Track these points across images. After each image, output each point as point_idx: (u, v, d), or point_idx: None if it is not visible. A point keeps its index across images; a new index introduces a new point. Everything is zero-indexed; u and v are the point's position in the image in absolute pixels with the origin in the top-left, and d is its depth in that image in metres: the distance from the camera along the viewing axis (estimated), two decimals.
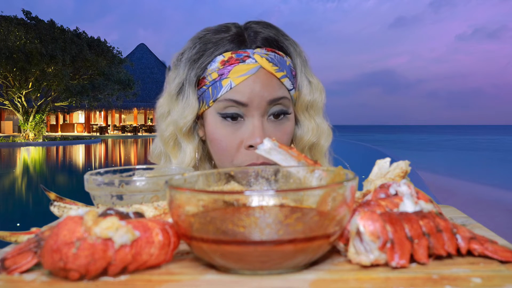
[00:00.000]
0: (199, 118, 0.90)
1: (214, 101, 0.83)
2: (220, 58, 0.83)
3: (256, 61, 0.81)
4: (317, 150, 0.92)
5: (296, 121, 0.91)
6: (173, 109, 0.87)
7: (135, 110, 36.58)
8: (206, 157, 0.95)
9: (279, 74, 0.83)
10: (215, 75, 0.82)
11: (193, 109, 0.85)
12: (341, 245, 0.44)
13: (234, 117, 0.82)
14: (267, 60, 0.82)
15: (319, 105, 0.90)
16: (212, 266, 0.41)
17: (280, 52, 0.85)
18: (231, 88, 0.81)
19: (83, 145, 21.34)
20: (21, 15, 21.24)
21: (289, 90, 0.85)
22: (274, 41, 0.86)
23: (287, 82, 0.84)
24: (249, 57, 0.82)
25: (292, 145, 0.94)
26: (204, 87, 0.84)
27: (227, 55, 0.83)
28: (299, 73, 0.88)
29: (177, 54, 0.89)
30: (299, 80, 0.88)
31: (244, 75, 0.81)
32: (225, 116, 0.82)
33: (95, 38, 23.47)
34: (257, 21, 0.89)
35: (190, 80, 0.85)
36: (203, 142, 0.92)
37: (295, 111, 0.89)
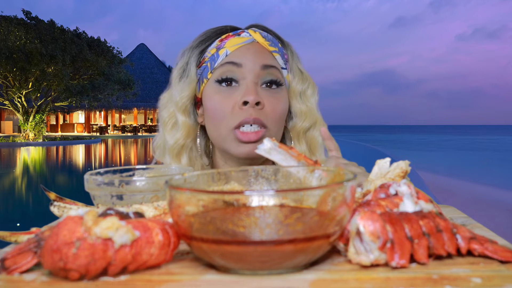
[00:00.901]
0: (199, 104, 0.95)
1: (212, 72, 0.90)
2: (219, 39, 0.92)
3: (250, 35, 0.91)
4: (313, 141, 0.95)
5: (290, 109, 0.95)
6: (174, 90, 0.94)
7: (135, 110, 36.56)
8: (205, 151, 0.99)
9: (271, 48, 0.91)
10: (213, 51, 0.91)
11: (192, 83, 0.92)
12: (341, 245, 0.44)
13: (228, 82, 0.88)
14: (260, 35, 0.91)
15: (311, 98, 0.95)
16: (212, 266, 0.41)
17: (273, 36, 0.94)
18: (226, 55, 0.89)
19: (83, 145, 21.33)
20: (21, 15, 21.24)
21: (282, 68, 0.92)
22: (268, 29, 0.95)
23: (279, 58, 0.92)
24: (244, 31, 0.91)
25: (292, 144, 0.95)
26: (204, 64, 0.92)
27: (226, 34, 0.92)
28: (291, 60, 0.95)
29: (182, 49, 0.96)
30: (291, 65, 0.95)
31: (239, 44, 0.89)
32: (220, 81, 0.88)
33: (95, 38, 23.45)
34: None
35: (191, 61, 0.93)
36: (203, 129, 0.97)
37: (289, 96, 0.94)
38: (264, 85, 0.88)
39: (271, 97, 0.88)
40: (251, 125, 0.84)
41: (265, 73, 0.88)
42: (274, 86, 0.89)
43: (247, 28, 0.96)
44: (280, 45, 0.94)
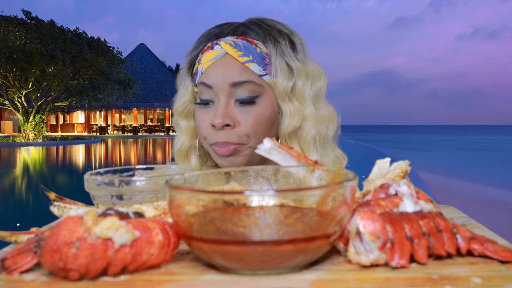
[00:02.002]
0: None
1: (196, 86, 0.92)
2: (201, 50, 0.92)
3: (221, 47, 0.89)
4: (300, 139, 0.91)
5: (280, 109, 0.92)
6: (177, 96, 0.98)
7: (135, 110, 36.55)
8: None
9: (243, 59, 0.88)
10: (197, 65, 0.92)
11: (188, 91, 0.95)
12: (341, 245, 0.44)
13: (206, 103, 0.90)
14: (231, 46, 0.89)
15: (302, 91, 0.90)
16: (212, 266, 0.41)
17: (251, 40, 0.91)
18: (202, 73, 0.90)
19: (83, 145, 21.33)
20: (21, 15, 21.24)
21: (260, 76, 0.88)
22: (246, 29, 0.92)
23: (254, 67, 0.88)
24: (217, 44, 0.90)
25: (291, 145, 0.94)
26: (194, 76, 0.93)
27: (207, 45, 0.92)
28: (274, 59, 0.90)
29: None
30: (274, 66, 0.90)
31: (211, 60, 0.89)
32: (199, 102, 0.91)
33: (95, 38, 23.44)
34: (253, 17, 0.96)
35: (185, 67, 0.95)
36: None
37: (276, 97, 0.91)
38: (237, 102, 0.88)
39: (243, 113, 0.87)
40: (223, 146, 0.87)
41: (236, 90, 0.87)
42: (247, 102, 0.88)
43: (242, 22, 0.94)
44: (258, 50, 0.89)
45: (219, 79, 0.87)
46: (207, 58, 0.89)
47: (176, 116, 0.98)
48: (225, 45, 0.89)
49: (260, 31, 0.92)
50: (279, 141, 0.93)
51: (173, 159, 1.03)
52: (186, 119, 0.97)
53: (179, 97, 0.97)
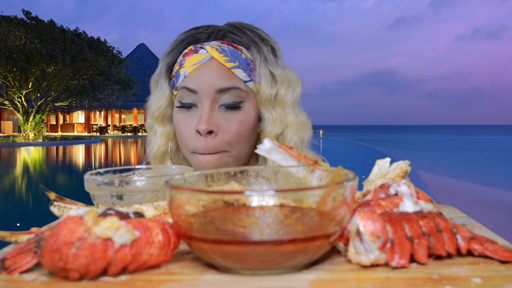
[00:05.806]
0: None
1: (176, 89, 0.90)
2: (183, 52, 0.90)
3: (207, 52, 0.87)
4: (284, 143, 0.90)
5: (262, 116, 0.92)
6: (151, 100, 0.95)
7: (135, 110, 36.56)
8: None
9: (229, 65, 0.86)
10: (177, 67, 0.89)
11: (165, 95, 0.92)
12: (341, 245, 0.44)
13: (188, 106, 0.88)
14: (217, 51, 0.87)
15: (284, 98, 0.90)
16: (212, 266, 0.41)
17: (236, 45, 0.89)
18: (185, 76, 0.87)
19: (83, 145, 21.33)
20: (21, 15, 21.26)
21: (245, 82, 0.88)
22: (232, 35, 0.91)
23: (240, 73, 0.87)
24: (202, 48, 0.88)
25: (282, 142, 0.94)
26: (172, 78, 0.91)
27: (188, 48, 0.90)
28: (258, 66, 0.90)
29: (162, 52, 0.96)
30: (259, 72, 0.90)
31: (195, 64, 0.86)
32: (181, 106, 0.88)
33: (95, 38, 23.45)
34: (232, 21, 0.95)
35: (162, 71, 0.92)
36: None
37: (258, 104, 0.91)
38: (222, 107, 0.86)
39: (227, 119, 0.86)
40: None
41: (222, 96, 0.85)
42: (232, 107, 0.87)
43: (223, 27, 0.92)
44: (244, 56, 0.88)
45: (205, 84, 0.85)
46: (191, 62, 0.87)
47: (151, 120, 0.96)
48: (211, 50, 0.87)
49: (244, 36, 0.91)
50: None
51: (147, 163, 0.99)
52: (162, 124, 0.95)
53: (155, 101, 0.94)
